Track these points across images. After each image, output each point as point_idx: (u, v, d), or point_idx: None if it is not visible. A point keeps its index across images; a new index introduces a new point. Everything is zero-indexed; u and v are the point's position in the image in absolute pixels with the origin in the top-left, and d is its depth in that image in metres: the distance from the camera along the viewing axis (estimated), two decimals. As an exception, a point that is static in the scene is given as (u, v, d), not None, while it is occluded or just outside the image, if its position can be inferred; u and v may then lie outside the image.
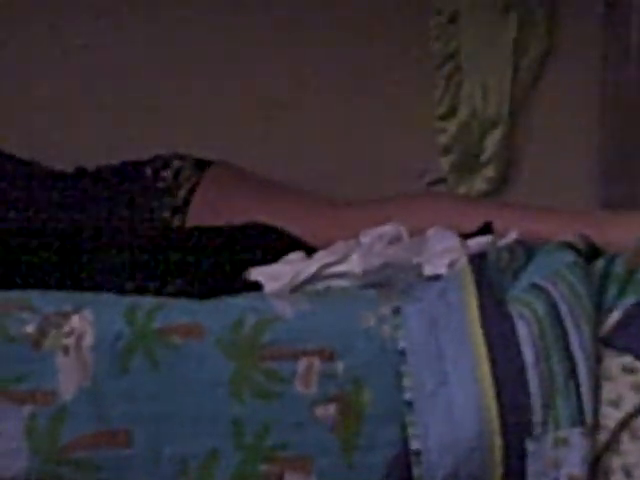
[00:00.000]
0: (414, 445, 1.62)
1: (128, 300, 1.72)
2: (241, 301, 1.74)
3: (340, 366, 1.68)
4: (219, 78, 2.51)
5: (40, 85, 2.49)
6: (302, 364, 1.67)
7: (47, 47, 2.49)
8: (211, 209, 2.10)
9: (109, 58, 2.49)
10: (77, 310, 1.67)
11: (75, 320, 1.66)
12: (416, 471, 1.61)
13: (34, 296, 1.71)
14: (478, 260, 1.80)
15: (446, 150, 2.58)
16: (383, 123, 2.51)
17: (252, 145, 2.43)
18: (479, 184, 2.58)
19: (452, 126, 2.57)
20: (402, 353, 1.67)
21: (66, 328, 1.65)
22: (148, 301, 1.71)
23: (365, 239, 1.94)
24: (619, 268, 1.78)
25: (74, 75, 2.50)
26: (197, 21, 2.49)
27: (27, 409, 1.63)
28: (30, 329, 1.65)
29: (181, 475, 1.66)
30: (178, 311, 1.70)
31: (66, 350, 1.64)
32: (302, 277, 1.84)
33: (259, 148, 2.44)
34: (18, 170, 2.19)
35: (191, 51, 2.50)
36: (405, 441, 1.64)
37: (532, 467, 1.62)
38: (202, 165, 2.18)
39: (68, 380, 1.64)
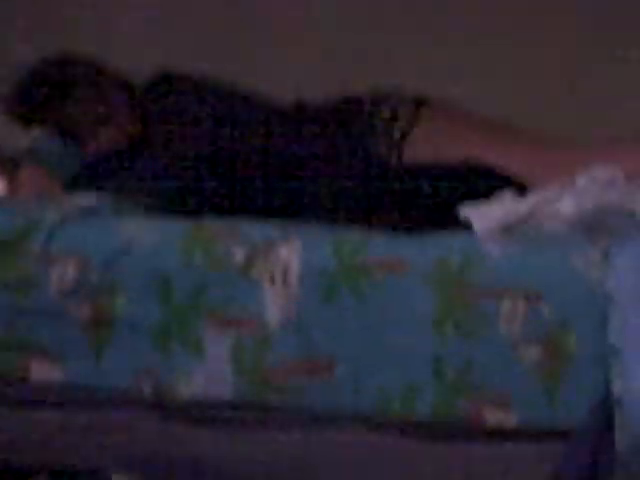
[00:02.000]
0: (617, 392, 1.58)
1: (335, 232, 1.76)
2: (448, 238, 1.75)
3: (546, 308, 1.66)
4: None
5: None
6: (507, 304, 1.66)
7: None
8: (426, 146, 2.10)
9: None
10: (285, 239, 1.72)
11: (282, 250, 1.71)
12: (618, 419, 1.58)
13: (243, 225, 1.78)
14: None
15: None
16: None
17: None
18: None
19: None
20: (609, 296, 1.63)
21: (273, 257, 1.70)
22: (354, 234, 1.74)
23: (580, 181, 1.89)
24: None
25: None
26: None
27: (233, 333, 1.70)
28: (239, 257, 1.71)
29: (381, 405, 1.68)
30: (383, 246, 1.72)
31: (273, 279, 1.69)
32: (513, 217, 1.81)
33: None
34: (244, 107, 2.24)
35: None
36: (610, 386, 1.61)
37: None
38: (419, 102, 2.17)
39: (274, 308, 1.69)
